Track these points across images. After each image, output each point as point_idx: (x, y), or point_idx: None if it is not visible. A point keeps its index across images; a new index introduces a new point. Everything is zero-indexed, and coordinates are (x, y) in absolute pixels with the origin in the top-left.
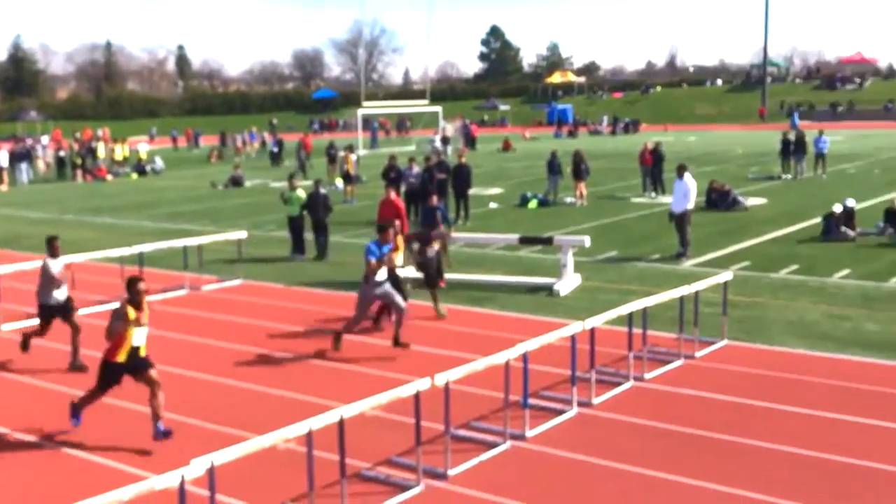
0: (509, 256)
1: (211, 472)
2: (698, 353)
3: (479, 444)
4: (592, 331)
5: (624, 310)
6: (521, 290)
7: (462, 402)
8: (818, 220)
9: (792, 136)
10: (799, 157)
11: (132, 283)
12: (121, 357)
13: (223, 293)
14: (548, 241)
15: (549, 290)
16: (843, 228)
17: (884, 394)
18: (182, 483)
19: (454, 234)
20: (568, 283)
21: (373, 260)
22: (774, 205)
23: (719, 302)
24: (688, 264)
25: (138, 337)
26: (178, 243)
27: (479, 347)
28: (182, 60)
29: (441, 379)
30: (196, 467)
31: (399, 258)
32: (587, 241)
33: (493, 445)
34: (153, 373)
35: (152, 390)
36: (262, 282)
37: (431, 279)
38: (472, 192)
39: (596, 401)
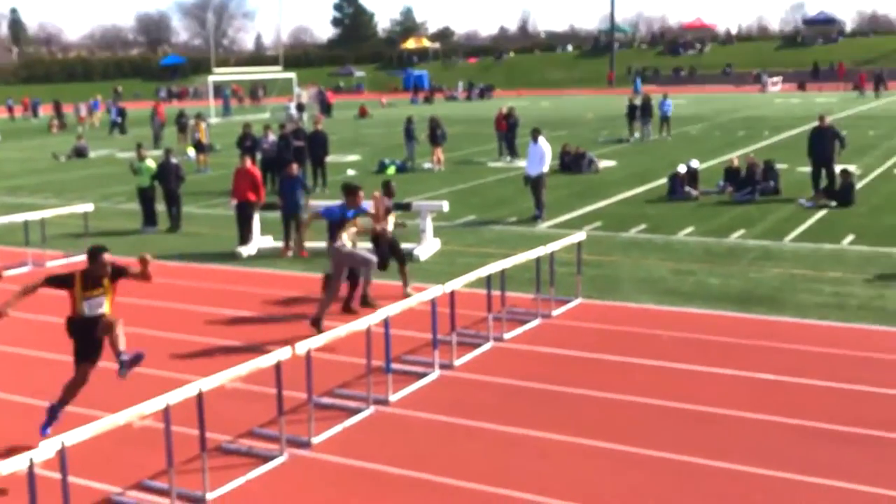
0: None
1: (62, 453)
2: (555, 312)
3: (342, 410)
4: (452, 294)
5: (483, 272)
6: None
7: (325, 370)
8: (664, 180)
9: (638, 101)
10: (645, 120)
11: (94, 254)
12: (79, 312)
13: (70, 269)
14: (406, 207)
15: (408, 255)
16: (687, 188)
17: (725, 343)
18: (31, 466)
19: (313, 202)
20: (427, 247)
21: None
22: (623, 167)
23: (574, 262)
24: (543, 226)
25: (89, 308)
26: (19, 218)
27: (340, 315)
28: (16, 25)
29: (302, 347)
30: (45, 449)
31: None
32: (445, 205)
33: (356, 411)
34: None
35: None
36: (112, 256)
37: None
38: (329, 159)
39: (457, 362)
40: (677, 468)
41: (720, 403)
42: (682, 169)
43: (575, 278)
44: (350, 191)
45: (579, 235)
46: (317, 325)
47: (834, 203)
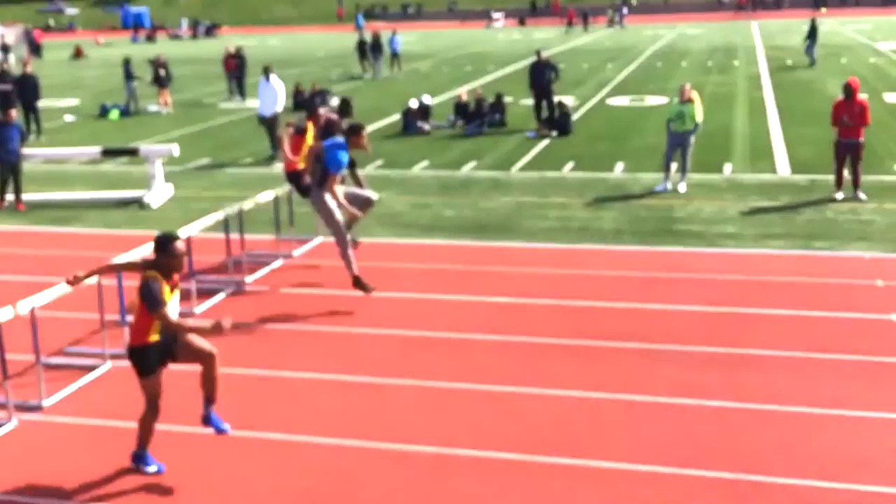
0: (92, 171)
1: None
2: (296, 252)
3: (76, 368)
4: (189, 240)
5: (219, 215)
6: (109, 206)
7: (55, 328)
8: (398, 116)
9: (368, 37)
10: (376, 56)
11: (166, 243)
12: (153, 336)
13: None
14: (133, 153)
15: (139, 202)
16: (420, 123)
17: (463, 271)
18: None
19: (28, 151)
20: (159, 194)
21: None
22: (358, 104)
23: None
24: (280, 166)
25: (172, 309)
26: None
27: (68, 269)
28: None
29: (25, 306)
30: None
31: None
32: (175, 149)
33: (91, 368)
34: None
35: (205, 365)
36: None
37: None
38: (42, 104)
39: (197, 310)
40: (427, 394)
41: (462, 328)
42: (414, 104)
43: (315, 217)
44: (353, 130)
45: None
46: (360, 286)
47: (555, 133)
